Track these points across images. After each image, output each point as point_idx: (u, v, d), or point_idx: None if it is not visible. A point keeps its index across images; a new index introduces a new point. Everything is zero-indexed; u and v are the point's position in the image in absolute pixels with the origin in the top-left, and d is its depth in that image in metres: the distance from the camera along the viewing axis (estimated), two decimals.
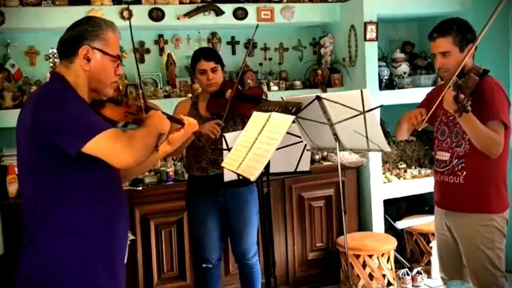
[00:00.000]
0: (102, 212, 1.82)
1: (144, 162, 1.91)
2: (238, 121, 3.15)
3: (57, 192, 1.74)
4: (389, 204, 4.40)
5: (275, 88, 4.24)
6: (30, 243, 1.75)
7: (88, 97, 1.88)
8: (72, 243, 1.75)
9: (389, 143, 3.01)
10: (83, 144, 1.67)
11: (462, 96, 2.17)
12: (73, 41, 1.84)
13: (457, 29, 2.50)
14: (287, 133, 2.24)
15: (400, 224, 4.29)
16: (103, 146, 1.69)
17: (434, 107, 2.50)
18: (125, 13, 3.73)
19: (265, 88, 4.10)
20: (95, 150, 1.69)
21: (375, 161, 4.16)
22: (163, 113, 2.15)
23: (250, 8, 4.07)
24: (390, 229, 4.40)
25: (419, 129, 2.50)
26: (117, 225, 1.88)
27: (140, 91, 2.13)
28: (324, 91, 4.21)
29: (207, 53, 3.14)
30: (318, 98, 2.42)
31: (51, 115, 1.69)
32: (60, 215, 1.74)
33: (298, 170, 2.77)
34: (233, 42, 4.39)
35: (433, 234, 3.52)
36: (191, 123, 2.18)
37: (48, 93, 1.79)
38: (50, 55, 3.88)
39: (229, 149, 2.56)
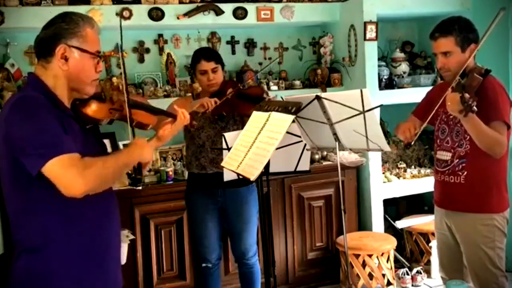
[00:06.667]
0: (93, 216, 1.79)
1: None
2: (238, 120, 3.15)
3: (41, 204, 1.70)
4: (388, 204, 4.40)
5: (274, 87, 4.24)
6: (24, 252, 1.73)
7: (68, 97, 1.81)
8: (70, 248, 1.73)
9: (388, 143, 3.01)
10: (42, 165, 1.60)
11: (468, 95, 2.16)
12: (49, 40, 1.76)
13: (459, 29, 2.49)
14: (287, 132, 2.24)
15: (400, 224, 4.29)
16: (55, 170, 1.60)
17: (435, 108, 2.50)
18: (125, 13, 3.74)
19: (264, 87, 4.10)
20: (48, 173, 1.61)
21: (374, 161, 4.16)
22: (153, 109, 2.11)
23: (250, 7, 4.07)
24: (389, 228, 4.40)
25: (412, 142, 2.51)
26: (109, 227, 1.87)
27: (116, 81, 2.05)
28: (324, 90, 4.21)
29: (208, 54, 3.14)
30: (317, 97, 2.42)
31: (18, 132, 1.63)
32: (50, 224, 1.72)
33: (297, 169, 2.77)
34: (232, 42, 4.39)
35: (432, 234, 3.53)
36: (182, 117, 2.14)
37: (20, 105, 1.69)
38: None
39: (228, 149, 2.56)
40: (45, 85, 1.76)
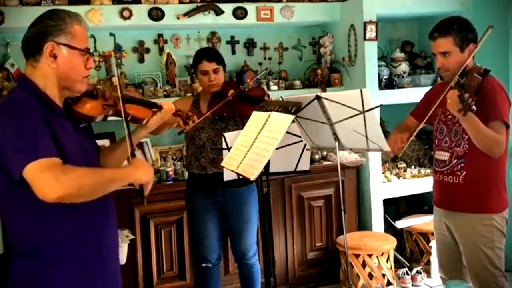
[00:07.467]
0: (90, 218, 1.78)
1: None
2: (239, 121, 3.15)
3: (36, 206, 1.65)
4: (388, 204, 4.40)
5: (274, 87, 4.24)
6: (21, 255, 1.71)
7: (60, 96, 1.79)
8: (68, 250, 1.72)
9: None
10: (22, 169, 1.55)
11: (467, 94, 2.17)
12: (36, 38, 1.73)
13: (457, 29, 2.49)
14: (287, 132, 2.24)
15: (400, 224, 4.29)
16: (32, 174, 1.55)
17: (434, 107, 2.50)
18: (125, 13, 3.74)
19: (264, 87, 4.10)
20: (27, 177, 1.56)
21: (374, 161, 4.16)
22: (147, 103, 2.10)
23: (250, 7, 4.07)
24: (389, 228, 4.40)
25: (399, 155, 2.53)
26: (105, 228, 1.86)
27: (116, 80, 2.03)
28: (324, 90, 4.21)
29: (209, 54, 3.13)
30: (317, 97, 2.41)
31: (2, 136, 1.60)
32: (46, 227, 1.70)
33: (297, 169, 2.77)
34: (232, 42, 4.39)
35: (432, 234, 3.53)
36: (169, 107, 2.14)
37: (7, 107, 1.66)
38: None
39: (228, 149, 2.57)
40: (35, 85, 1.73)
